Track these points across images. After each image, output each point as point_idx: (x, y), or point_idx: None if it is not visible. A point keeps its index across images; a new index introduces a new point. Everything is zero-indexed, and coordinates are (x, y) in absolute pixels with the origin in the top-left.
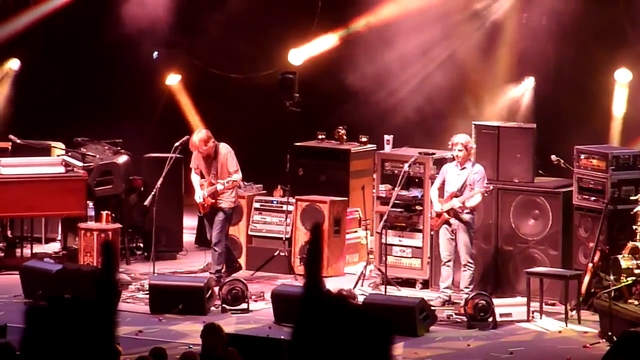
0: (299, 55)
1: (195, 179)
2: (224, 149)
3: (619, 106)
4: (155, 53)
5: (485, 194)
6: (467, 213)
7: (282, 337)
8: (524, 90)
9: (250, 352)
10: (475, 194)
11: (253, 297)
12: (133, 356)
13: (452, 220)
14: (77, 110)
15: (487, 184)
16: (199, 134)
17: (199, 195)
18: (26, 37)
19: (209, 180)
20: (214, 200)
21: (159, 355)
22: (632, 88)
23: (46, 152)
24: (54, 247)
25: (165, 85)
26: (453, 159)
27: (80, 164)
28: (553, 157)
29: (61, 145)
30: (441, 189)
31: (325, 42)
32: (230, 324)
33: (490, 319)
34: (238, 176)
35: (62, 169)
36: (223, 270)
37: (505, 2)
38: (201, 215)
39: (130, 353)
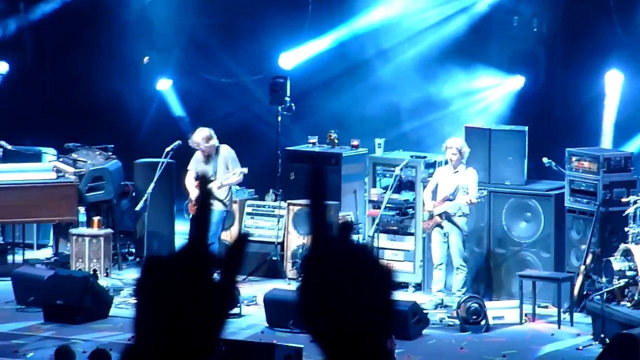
0: (290, 59)
1: (189, 181)
2: (225, 150)
3: (610, 108)
4: (146, 58)
5: (479, 200)
6: (459, 216)
7: (274, 341)
8: (510, 90)
9: (243, 357)
10: (468, 198)
11: (245, 301)
12: None
13: (445, 224)
14: (69, 116)
15: (480, 188)
16: (201, 131)
17: (194, 195)
18: (16, 41)
19: None
20: None
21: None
22: (623, 90)
23: (37, 158)
24: (46, 253)
25: (156, 90)
26: (446, 162)
27: (72, 169)
28: (544, 159)
29: (52, 151)
30: (434, 192)
31: (316, 46)
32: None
33: (483, 322)
34: (237, 177)
35: (53, 175)
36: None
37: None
38: (191, 217)
39: None
